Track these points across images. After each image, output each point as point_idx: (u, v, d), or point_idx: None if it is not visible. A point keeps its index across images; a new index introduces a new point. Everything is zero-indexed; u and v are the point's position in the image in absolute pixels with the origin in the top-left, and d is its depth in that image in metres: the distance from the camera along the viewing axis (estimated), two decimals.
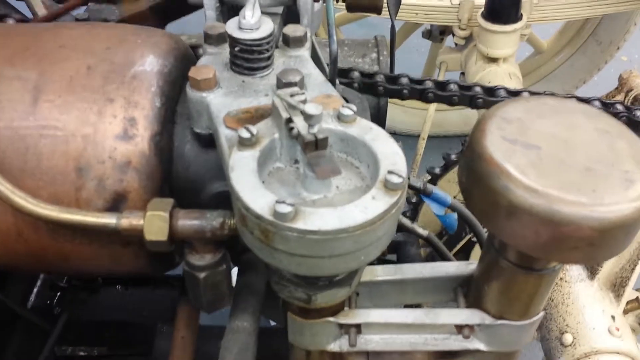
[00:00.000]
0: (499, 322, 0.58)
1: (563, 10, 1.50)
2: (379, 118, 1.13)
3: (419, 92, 1.00)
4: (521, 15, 1.40)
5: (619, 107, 1.00)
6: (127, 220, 0.52)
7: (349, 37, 1.31)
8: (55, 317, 0.82)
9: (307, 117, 0.46)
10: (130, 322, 0.88)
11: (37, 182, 0.54)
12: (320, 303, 0.53)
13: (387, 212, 0.44)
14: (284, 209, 0.42)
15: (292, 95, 0.49)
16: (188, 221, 0.52)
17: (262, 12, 0.60)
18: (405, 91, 0.98)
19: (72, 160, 0.54)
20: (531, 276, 0.54)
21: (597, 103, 0.97)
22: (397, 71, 1.05)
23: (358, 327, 0.59)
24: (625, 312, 0.99)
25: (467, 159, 0.49)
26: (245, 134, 0.48)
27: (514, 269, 0.54)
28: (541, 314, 0.59)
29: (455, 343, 0.61)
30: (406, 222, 0.71)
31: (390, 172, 0.46)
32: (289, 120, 0.48)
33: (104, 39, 0.58)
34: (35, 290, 0.85)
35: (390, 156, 0.48)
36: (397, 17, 1.48)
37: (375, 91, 0.98)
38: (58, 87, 0.55)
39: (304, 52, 0.60)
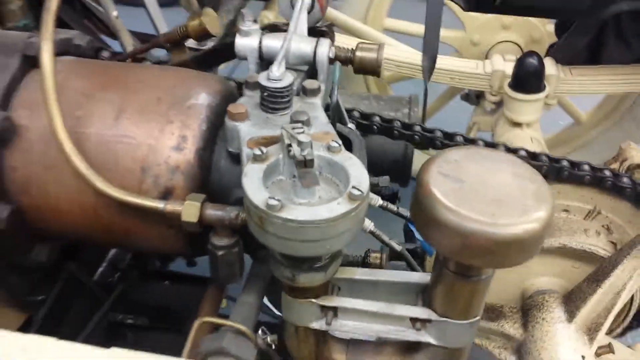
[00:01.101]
0: (443, 319, 0.74)
1: (589, 86, 1.65)
2: (405, 163, 1.31)
3: (429, 139, 1.17)
4: (544, 86, 1.56)
5: (607, 172, 1.14)
6: (171, 206, 0.73)
7: (397, 94, 1.52)
8: (111, 290, 1.04)
9: (300, 144, 0.66)
10: (171, 305, 1.08)
11: (113, 174, 0.76)
12: (302, 282, 0.71)
13: (347, 214, 0.63)
14: (273, 202, 0.62)
15: (293, 129, 0.69)
16: (213, 211, 0.72)
17: (290, 69, 0.82)
18: (416, 137, 1.16)
19: (139, 162, 0.76)
20: (467, 282, 0.70)
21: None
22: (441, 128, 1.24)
23: (335, 311, 0.77)
24: (598, 354, 1.10)
25: (415, 188, 0.67)
26: (257, 152, 0.68)
27: (453, 276, 0.70)
28: (478, 317, 0.74)
29: (411, 334, 0.77)
30: (384, 237, 0.88)
31: (354, 187, 0.64)
32: (289, 145, 0.67)
33: (171, 79, 0.81)
34: (100, 269, 1.08)
35: (358, 177, 0.66)
36: (435, 80, 1.67)
37: (393, 136, 1.18)
38: (135, 109, 0.77)
39: (317, 100, 0.80)
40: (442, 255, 0.68)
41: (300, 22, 0.86)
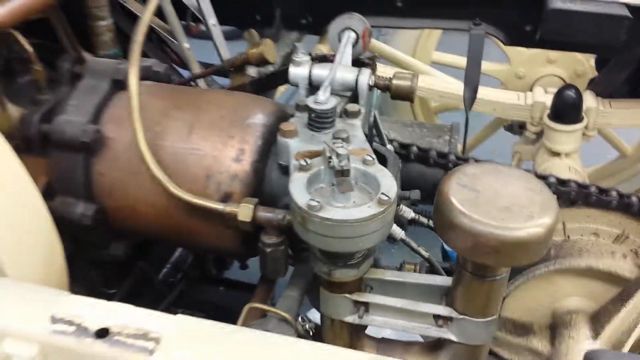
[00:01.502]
0: (462, 317, 0.83)
1: (628, 118, 1.71)
2: None
3: None
4: (582, 117, 1.63)
5: (634, 198, 1.20)
6: (230, 208, 0.86)
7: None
8: (173, 289, 1.18)
9: (339, 156, 0.78)
10: (225, 307, 1.21)
11: (183, 180, 0.90)
12: (337, 277, 0.82)
13: (375, 216, 0.74)
14: (314, 203, 0.74)
15: (334, 144, 0.81)
16: (264, 213, 0.85)
17: (335, 94, 0.94)
18: (450, 165, 1.26)
19: (204, 170, 0.90)
20: (483, 283, 0.80)
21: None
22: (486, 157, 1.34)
23: (367, 306, 0.87)
24: None
25: (436, 197, 0.77)
26: (303, 163, 0.80)
27: (471, 277, 0.80)
28: (495, 316, 0.83)
29: (434, 331, 0.86)
30: (413, 245, 0.98)
31: (383, 194, 0.76)
32: (330, 157, 0.79)
33: (234, 101, 0.95)
34: (164, 270, 1.22)
35: (387, 186, 0.78)
36: (478, 110, 1.76)
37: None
38: (203, 126, 0.91)
39: (357, 121, 0.92)
40: (460, 257, 0.78)
41: (346, 54, 0.99)
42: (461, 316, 0.83)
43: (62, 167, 0.93)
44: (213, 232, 0.92)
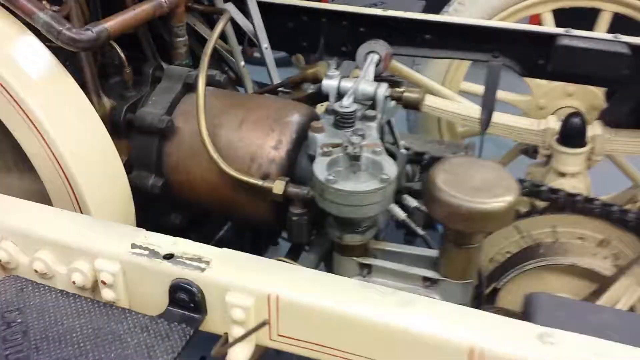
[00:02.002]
0: (444, 279, 1.04)
1: (632, 146, 1.88)
2: None
3: None
4: (586, 142, 1.81)
5: (615, 207, 1.39)
6: (267, 184, 1.10)
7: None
8: None
9: (353, 144, 1.01)
10: None
11: (232, 162, 1.14)
12: (346, 241, 1.05)
13: (376, 190, 0.97)
14: (330, 177, 0.97)
15: (351, 137, 1.04)
16: (293, 189, 1.09)
17: (357, 102, 1.18)
18: None
19: (249, 155, 1.14)
20: (461, 250, 1.01)
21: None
22: None
23: (370, 268, 1.09)
24: None
25: (425, 179, 0.99)
26: (325, 149, 1.04)
27: (451, 245, 1.01)
28: (471, 280, 1.04)
29: (422, 291, 1.07)
30: (412, 225, 1.19)
31: (383, 174, 0.98)
32: (346, 146, 1.03)
33: (277, 104, 1.20)
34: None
35: (388, 169, 1.00)
36: (495, 133, 1.96)
37: None
38: (251, 122, 1.17)
39: (373, 124, 1.15)
40: (442, 225, 1.00)
41: (369, 71, 1.24)
42: (443, 278, 1.04)
43: (140, 147, 1.20)
44: (253, 204, 1.16)
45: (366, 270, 1.09)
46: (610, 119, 1.90)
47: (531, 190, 1.45)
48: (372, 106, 1.21)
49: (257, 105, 1.21)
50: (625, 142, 1.88)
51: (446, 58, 2.00)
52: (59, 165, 1.05)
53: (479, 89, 2.40)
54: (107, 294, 0.90)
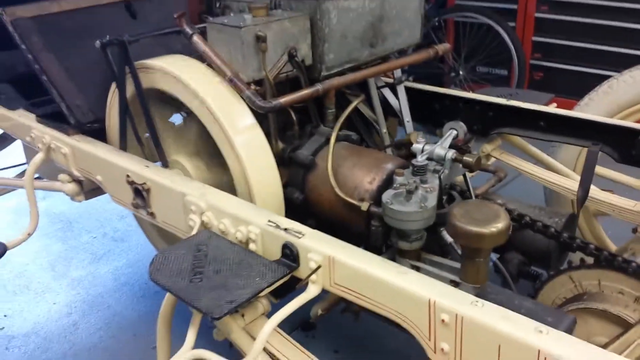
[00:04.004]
0: (462, 283, 1.52)
1: None
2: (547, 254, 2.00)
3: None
4: None
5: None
6: (360, 203, 1.71)
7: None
8: None
9: (414, 184, 1.58)
10: None
11: (343, 188, 1.78)
12: (402, 246, 1.61)
13: (415, 212, 1.52)
14: (388, 200, 1.56)
15: (414, 180, 1.61)
16: (374, 208, 1.68)
17: (433, 160, 1.74)
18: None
19: (354, 185, 1.77)
20: (473, 262, 1.49)
21: None
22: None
23: (417, 269, 1.62)
24: None
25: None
26: (397, 185, 1.62)
27: (466, 259, 1.50)
28: (480, 285, 1.50)
29: None
30: (449, 239, 1.66)
31: (423, 204, 1.53)
32: (409, 185, 1.60)
33: (380, 156, 1.81)
34: None
35: (430, 202, 1.55)
36: (602, 209, 2.28)
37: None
38: (360, 165, 1.79)
39: (436, 175, 1.69)
40: (456, 243, 1.50)
41: (446, 140, 1.79)
42: (462, 282, 1.53)
43: (294, 174, 1.91)
44: (350, 217, 1.78)
45: (415, 270, 1.62)
46: None
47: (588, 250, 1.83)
48: (442, 165, 1.75)
49: (367, 156, 1.84)
50: None
51: (555, 141, 2.39)
52: (245, 176, 1.80)
53: (607, 172, 2.70)
54: (251, 246, 1.60)
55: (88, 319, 3.15)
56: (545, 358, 1.10)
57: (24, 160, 2.99)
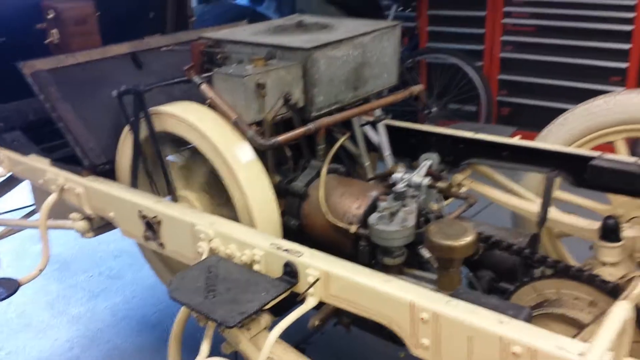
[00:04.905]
0: (438, 290, 1.77)
1: None
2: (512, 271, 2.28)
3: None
4: (619, 239, 2.34)
5: (599, 277, 1.97)
6: (348, 226, 1.97)
7: None
8: None
9: (393, 209, 1.85)
10: None
11: (334, 214, 2.04)
12: (385, 262, 1.86)
13: (396, 231, 1.78)
14: (373, 222, 1.82)
15: (394, 205, 1.88)
16: (361, 230, 1.94)
17: (410, 186, 2.01)
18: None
19: (343, 211, 2.03)
20: (446, 272, 1.75)
21: None
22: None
23: None
24: None
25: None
26: (381, 209, 1.89)
27: (440, 269, 1.76)
28: (451, 291, 1.75)
29: None
30: (426, 254, 1.93)
31: (403, 224, 1.80)
32: (390, 209, 1.87)
33: (367, 187, 2.09)
34: None
35: (409, 222, 1.81)
36: (563, 230, 2.57)
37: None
38: (348, 194, 2.06)
39: (414, 200, 1.96)
40: (432, 257, 1.76)
41: (422, 169, 2.07)
42: (439, 290, 1.78)
43: (289, 202, 2.16)
44: (340, 240, 2.03)
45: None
46: None
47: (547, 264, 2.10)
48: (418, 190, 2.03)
49: (354, 185, 2.11)
50: None
51: (518, 169, 2.69)
52: (248, 206, 2.04)
53: (569, 197, 3.00)
54: (256, 267, 1.84)
55: (89, 352, 3.31)
56: (507, 343, 1.35)
57: (28, 203, 3.21)
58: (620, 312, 1.45)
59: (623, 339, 1.44)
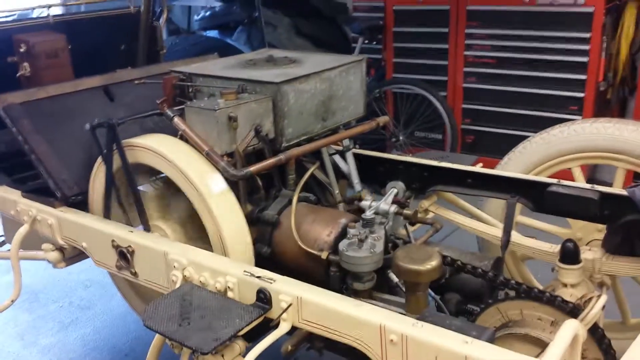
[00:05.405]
0: (406, 313, 1.84)
1: (626, 270, 2.47)
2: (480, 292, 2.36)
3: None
4: (579, 261, 2.45)
5: (559, 298, 2.06)
6: (320, 253, 2.03)
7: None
8: None
9: (363, 235, 1.92)
10: None
11: (304, 241, 2.10)
12: (355, 287, 1.92)
13: (365, 257, 1.85)
14: (343, 248, 1.88)
15: (363, 231, 1.95)
16: (332, 256, 2.00)
17: (379, 214, 2.09)
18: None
19: (314, 238, 2.09)
20: (414, 295, 1.81)
21: None
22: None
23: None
24: None
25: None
26: (350, 236, 1.96)
27: (409, 293, 1.83)
28: (418, 315, 1.82)
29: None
30: (394, 278, 2.00)
31: (372, 250, 1.87)
32: (359, 235, 1.94)
33: (336, 214, 2.16)
34: None
35: (378, 248, 1.88)
36: (525, 253, 2.67)
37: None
38: (319, 220, 2.13)
39: (382, 227, 2.04)
40: (400, 281, 1.83)
41: (389, 197, 2.15)
42: (406, 314, 1.85)
43: (263, 232, 2.21)
44: (312, 266, 2.08)
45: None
46: (608, 248, 2.53)
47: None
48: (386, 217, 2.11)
49: (324, 213, 2.18)
50: (619, 265, 2.49)
51: (481, 195, 2.80)
52: (220, 235, 2.09)
53: (531, 222, 3.12)
54: (229, 294, 1.88)
55: None
56: None
57: None
58: (568, 329, 1.53)
59: (572, 356, 1.53)
